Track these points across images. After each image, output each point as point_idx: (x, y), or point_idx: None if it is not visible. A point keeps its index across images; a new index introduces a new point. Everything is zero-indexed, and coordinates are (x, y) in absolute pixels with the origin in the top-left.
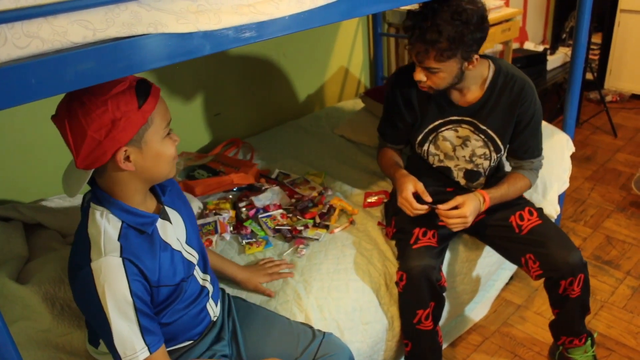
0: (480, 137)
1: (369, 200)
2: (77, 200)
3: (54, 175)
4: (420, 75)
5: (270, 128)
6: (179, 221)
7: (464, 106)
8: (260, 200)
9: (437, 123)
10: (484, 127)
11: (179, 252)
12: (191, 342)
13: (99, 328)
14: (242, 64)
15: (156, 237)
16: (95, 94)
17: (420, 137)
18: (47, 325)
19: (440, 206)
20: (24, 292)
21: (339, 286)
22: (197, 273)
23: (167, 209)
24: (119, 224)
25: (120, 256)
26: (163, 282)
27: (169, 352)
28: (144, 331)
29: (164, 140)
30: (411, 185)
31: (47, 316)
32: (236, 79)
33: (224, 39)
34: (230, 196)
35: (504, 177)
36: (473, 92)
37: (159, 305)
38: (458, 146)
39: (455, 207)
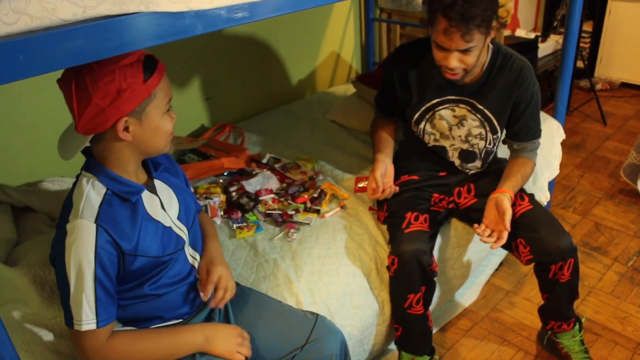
0: (477, 116)
1: (359, 185)
2: (67, 184)
3: (42, 159)
4: (454, 62)
5: (262, 113)
6: (172, 197)
7: (462, 86)
8: (251, 185)
9: (434, 102)
10: (481, 107)
11: (167, 227)
12: (180, 320)
13: (60, 286)
14: (234, 48)
15: (140, 207)
16: (104, 63)
17: (416, 116)
18: (36, 308)
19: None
20: (13, 274)
21: (330, 270)
22: (187, 249)
23: (158, 184)
24: (103, 190)
25: (95, 222)
26: (141, 252)
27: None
28: (98, 302)
29: (163, 115)
30: (378, 172)
31: (36, 299)
32: (227, 63)
33: (216, 19)
34: (221, 180)
35: (506, 164)
36: (472, 73)
37: (137, 277)
38: (454, 125)
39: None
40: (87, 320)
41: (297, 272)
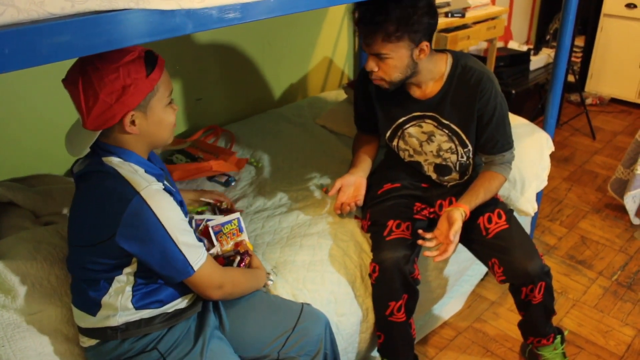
0: (444, 131)
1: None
2: (52, 180)
3: (28, 154)
4: (371, 65)
5: (252, 116)
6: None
7: (423, 100)
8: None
9: (401, 120)
10: (447, 122)
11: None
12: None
13: (158, 249)
14: (226, 50)
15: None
16: (108, 61)
17: (388, 134)
18: (18, 303)
19: (428, 236)
20: None
21: (315, 278)
22: None
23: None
24: (141, 169)
25: (159, 183)
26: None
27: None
28: (197, 237)
29: (166, 107)
30: (346, 176)
31: (17, 294)
32: (219, 65)
33: (207, 19)
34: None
35: (477, 178)
36: (431, 87)
37: None
38: (424, 142)
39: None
40: (203, 251)
41: (281, 278)
